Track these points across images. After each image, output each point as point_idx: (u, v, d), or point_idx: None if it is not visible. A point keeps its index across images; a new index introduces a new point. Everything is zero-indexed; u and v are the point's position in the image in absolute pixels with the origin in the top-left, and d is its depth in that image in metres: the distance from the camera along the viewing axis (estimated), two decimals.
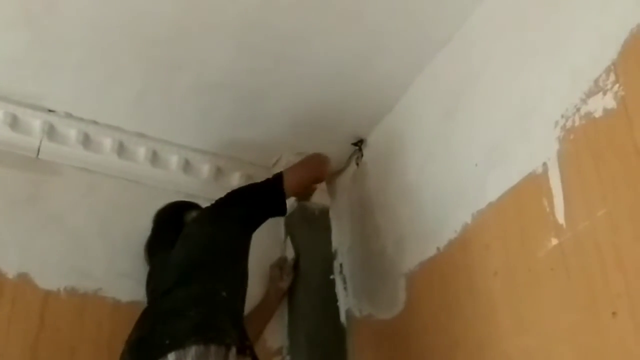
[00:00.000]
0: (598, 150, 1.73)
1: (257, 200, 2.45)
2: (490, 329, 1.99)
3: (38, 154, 2.66)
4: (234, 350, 2.00)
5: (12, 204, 2.53)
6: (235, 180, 2.95)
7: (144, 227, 2.59)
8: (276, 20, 2.33)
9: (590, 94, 1.78)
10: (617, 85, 1.70)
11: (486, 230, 2.07)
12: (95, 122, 2.73)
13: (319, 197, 2.94)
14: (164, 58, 2.46)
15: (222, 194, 2.50)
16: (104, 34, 2.35)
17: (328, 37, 2.40)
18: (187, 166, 2.89)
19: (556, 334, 1.76)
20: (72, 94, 2.62)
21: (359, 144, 2.90)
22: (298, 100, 2.67)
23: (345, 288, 2.74)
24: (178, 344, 1.95)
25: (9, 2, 2.23)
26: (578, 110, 1.80)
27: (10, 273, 2.40)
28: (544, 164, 1.88)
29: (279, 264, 2.80)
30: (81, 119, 2.71)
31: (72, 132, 2.70)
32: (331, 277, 2.78)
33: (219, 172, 2.95)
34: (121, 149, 2.77)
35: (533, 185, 1.91)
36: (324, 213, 2.96)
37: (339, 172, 2.99)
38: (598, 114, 1.74)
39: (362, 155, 2.88)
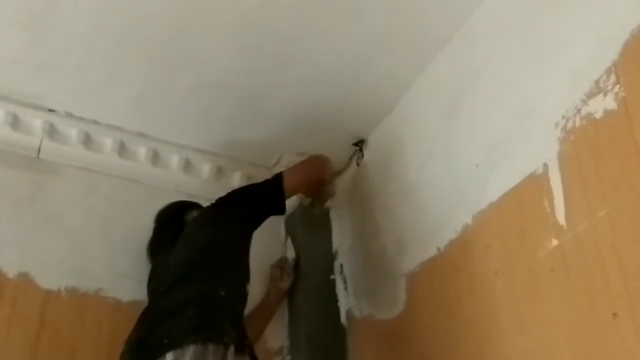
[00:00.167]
0: (598, 151, 1.72)
1: (257, 200, 2.47)
2: (491, 329, 1.98)
3: (39, 153, 2.66)
4: (232, 349, 2.01)
5: (12, 204, 2.54)
6: (236, 180, 2.95)
7: (145, 226, 2.60)
8: (276, 20, 2.33)
9: (590, 94, 1.78)
10: (618, 86, 1.70)
11: (487, 230, 2.07)
12: (96, 122, 2.73)
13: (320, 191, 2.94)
14: (164, 58, 2.46)
15: (222, 194, 2.51)
16: (104, 34, 2.35)
17: (328, 37, 2.40)
18: (187, 166, 2.89)
19: (556, 335, 1.76)
20: (72, 94, 2.62)
21: (359, 144, 2.89)
22: (298, 100, 2.67)
23: (345, 288, 2.74)
24: (176, 344, 1.96)
25: (10, 2, 2.23)
26: (578, 111, 1.80)
27: (11, 272, 2.41)
28: (545, 165, 1.88)
29: (280, 264, 2.80)
30: (82, 119, 2.71)
31: (72, 132, 2.70)
32: (332, 277, 2.78)
33: (219, 172, 2.95)
34: (122, 149, 2.77)
35: (533, 185, 1.91)
36: (325, 213, 2.96)
37: (340, 172, 2.98)
38: (599, 114, 1.74)
39: (362, 156, 2.88)
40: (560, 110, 1.86)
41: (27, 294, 2.40)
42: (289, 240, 2.90)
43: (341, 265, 2.80)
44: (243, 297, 2.28)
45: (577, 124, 1.80)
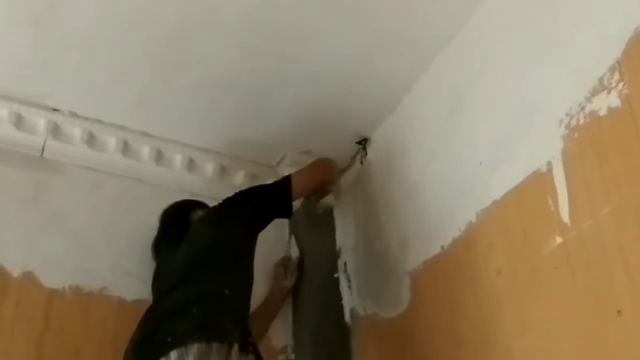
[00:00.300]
0: (602, 148, 1.72)
1: (264, 202, 2.48)
2: (495, 327, 1.98)
3: (42, 152, 2.67)
4: (236, 347, 2.00)
5: (16, 203, 2.54)
6: (239, 179, 2.95)
7: (149, 225, 2.60)
8: (279, 19, 2.33)
9: (594, 92, 1.77)
10: (622, 83, 1.70)
11: (490, 228, 2.07)
12: (99, 121, 2.73)
13: (324, 193, 2.93)
14: (168, 57, 2.46)
15: (226, 193, 2.51)
16: (108, 33, 2.35)
17: (331, 36, 2.40)
18: (191, 165, 2.89)
19: (560, 332, 1.76)
20: (76, 93, 2.62)
21: (362, 142, 2.89)
22: (302, 99, 2.67)
23: (349, 287, 2.74)
24: (180, 342, 1.96)
25: (13, 2, 2.24)
26: (582, 108, 1.80)
27: (15, 272, 2.41)
28: (549, 163, 1.88)
29: (283, 263, 2.80)
30: (85, 118, 2.71)
31: (76, 131, 2.70)
32: (335, 275, 2.78)
33: (223, 171, 2.95)
34: (125, 148, 2.77)
35: (537, 183, 1.91)
36: (328, 212, 2.96)
37: (343, 170, 2.98)
38: (602, 112, 1.74)
39: (366, 154, 2.88)
40: (564, 107, 1.86)
41: (31, 293, 2.40)
42: (293, 239, 2.90)
43: (345, 264, 2.80)
44: (247, 296, 2.28)
45: (581, 121, 1.80)
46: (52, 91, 2.60)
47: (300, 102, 2.69)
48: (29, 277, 2.42)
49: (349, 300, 2.72)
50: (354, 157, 2.94)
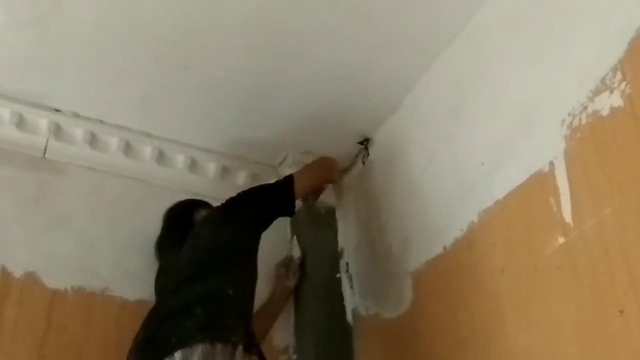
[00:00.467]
0: (605, 148, 1.72)
1: (267, 201, 2.48)
2: (497, 327, 1.99)
3: (45, 153, 2.67)
4: (240, 348, 2.00)
5: (19, 204, 2.54)
6: (242, 179, 2.95)
7: (151, 226, 2.59)
8: (282, 19, 2.33)
9: (596, 92, 1.77)
10: (624, 83, 1.70)
11: (492, 228, 2.07)
12: (101, 122, 2.73)
13: (325, 196, 2.93)
14: (170, 58, 2.46)
15: (228, 193, 2.51)
16: (110, 34, 2.35)
17: (333, 36, 2.40)
18: (193, 165, 2.89)
19: (563, 332, 1.76)
20: (78, 94, 2.62)
21: (364, 142, 2.89)
22: (304, 99, 2.67)
23: (351, 287, 2.74)
24: (184, 343, 1.95)
25: (16, 2, 2.24)
26: (585, 108, 1.80)
27: (18, 272, 2.41)
28: (551, 163, 1.88)
29: (285, 263, 2.80)
30: (88, 119, 2.71)
31: (78, 132, 2.70)
32: (337, 275, 2.79)
33: (225, 171, 2.95)
34: (127, 148, 2.78)
35: (540, 183, 1.91)
36: (330, 212, 2.96)
37: (345, 170, 2.98)
38: (605, 112, 1.74)
39: (368, 154, 2.88)
40: (566, 107, 1.86)
41: (33, 293, 2.40)
42: (295, 239, 2.90)
43: (347, 264, 2.80)
44: (251, 296, 2.27)
45: (583, 121, 1.80)
46: (54, 92, 2.60)
47: (302, 102, 2.69)
48: (31, 278, 2.42)
49: (351, 300, 2.72)
50: (356, 157, 2.94)
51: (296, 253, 2.85)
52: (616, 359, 1.61)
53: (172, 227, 2.58)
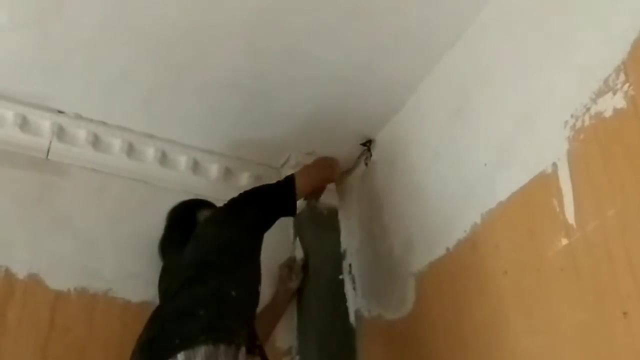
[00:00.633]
0: (608, 150, 1.72)
1: (269, 201, 2.48)
2: (500, 329, 1.98)
3: (47, 154, 2.67)
4: (243, 349, 2.00)
5: (22, 205, 2.54)
6: (244, 181, 2.96)
7: (154, 227, 2.60)
8: (284, 20, 2.33)
9: (599, 93, 1.77)
10: (627, 84, 1.69)
11: (495, 230, 2.07)
12: (104, 123, 2.74)
13: (328, 197, 2.93)
14: (172, 59, 2.46)
15: (230, 194, 2.51)
16: (112, 35, 2.35)
17: (336, 37, 2.40)
18: (195, 166, 2.89)
19: (566, 334, 1.75)
20: (81, 95, 2.63)
21: (367, 144, 2.89)
22: (307, 100, 2.67)
23: (354, 288, 2.74)
24: (187, 344, 1.95)
25: (19, 4, 2.24)
26: (588, 110, 1.80)
27: (21, 273, 2.41)
28: (554, 164, 1.87)
29: (288, 264, 2.80)
30: (90, 120, 2.72)
31: (81, 133, 2.71)
32: (340, 277, 2.78)
33: (227, 173, 2.95)
34: (130, 150, 2.78)
35: (543, 185, 1.90)
36: (333, 213, 2.96)
37: (348, 172, 2.99)
38: (608, 113, 1.74)
39: (370, 156, 2.88)
40: (569, 109, 1.86)
41: (36, 294, 2.41)
42: (297, 240, 2.90)
43: (350, 265, 2.80)
44: (254, 297, 2.28)
45: (587, 123, 1.80)
46: (57, 93, 2.61)
47: (304, 103, 2.69)
48: (34, 279, 2.42)
49: (354, 301, 2.72)
50: (359, 158, 2.94)
51: (299, 254, 2.85)
52: None
53: (175, 227, 2.58)
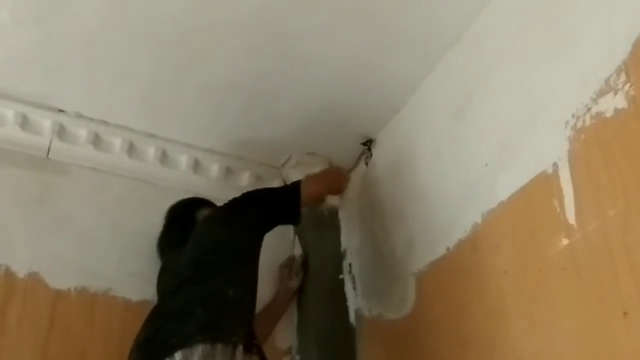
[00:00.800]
0: (609, 150, 1.72)
1: (272, 206, 2.46)
2: (500, 329, 1.98)
3: (48, 153, 2.68)
4: (240, 348, 2.00)
5: (22, 204, 2.55)
6: (245, 180, 2.96)
7: (154, 226, 2.60)
8: (285, 20, 2.33)
9: (600, 93, 1.77)
10: (628, 84, 1.69)
11: (496, 230, 2.07)
12: (105, 122, 2.74)
13: (328, 196, 2.93)
14: (173, 58, 2.46)
15: (231, 194, 2.51)
16: (113, 35, 2.35)
17: (337, 37, 2.40)
18: (196, 166, 2.90)
19: (566, 334, 1.75)
20: (82, 94, 2.63)
21: (368, 143, 2.89)
22: (307, 100, 2.67)
23: (354, 288, 2.74)
24: (184, 343, 1.96)
25: (20, 3, 2.24)
26: (589, 110, 1.80)
27: (21, 272, 2.42)
28: (555, 164, 1.87)
29: (288, 264, 2.81)
30: (91, 119, 2.72)
31: (82, 132, 2.71)
32: (340, 277, 2.79)
33: (228, 172, 2.95)
34: (131, 149, 2.78)
35: (543, 185, 1.90)
36: (333, 213, 2.96)
37: (348, 171, 2.98)
38: (609, 113, 1.74)
39: (371, 155, 2.88)
40: (570, 109, 1.85)
41: (37, 293, 2.41)
42: (297, 240, 2.90)
43: (350, 265, 2.80)
44: (252, 297, 2.27)
45: (587, 122, 1.80)
46: (58, 92, 2.61)
47: (305, 103, 2.69)
48: (34, 278, 2.43)
49: (354, 301, 2.72)
50: (359, 158, 2.94)
51: (298, 252, 2.85)
52: None
53: (173, 225, 2.58)
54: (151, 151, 2.82)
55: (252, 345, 2.10)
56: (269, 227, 2.45)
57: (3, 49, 2.40)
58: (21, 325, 2.34)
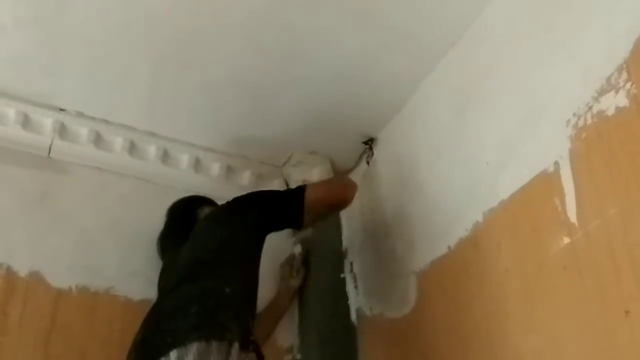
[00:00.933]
0: (610, 148, 1.72)
1: (274, 208, 2.42)
2: (502, 328, 1.98)
3: (49, 152, 2.68)
4: (236, 345, 1.99)
5: (23, 203, 2.55)
6: (246, 179, 2.96)
7: (155, 225, 2.60)
8: (286, 18, 2.33)
9: (602, 92, 1.77)
10: (630, 83, 1.69)
11: (497, 228, 2.07)
12: (106, 121, 2.74)
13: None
14: (174, 57, 2.46)
15: (232, 193, 2.51)
16: (115, 33, 2.35)
17: (339, 36, 2.40)
18: (197, 165, 2.90)
19: (568, 333, 1.75)
20: (83, 93, 2.63)
21: (369, 142, 2.89)
22: (309, 99, 2.66)
23: (355, 287, 2.74)
24: (179, 342, 1.95)
25: (21, 1, 2.24)
26: (590, 108, 1.79)
27: (22, 271, 2.42)
28: (556, 163, 1.87)
29: (289, 262, 2.80)
30: (92, 118, 2.72)
31: (83, 131, 2.71)
32: (342, 275, 2.78)
33: (229, 171, 2.95)
34: (132, 148, 2.78)
35: (545, 183, 1.90)
36: None
37: (350, 171, 2.98)
38: (610, 112, 1.73)
39: (372, 154, 2.88)
40: (572, 107, 1.85)
41: (38, 292, 2.41)
42: (298, 238, 2.90)
43: (351, 264, 2.80)
44: (250, 294, 2.25)
45: (589, 121, 1.80)
46: (59, 91, 2.61)
47: (306, 102, 2.68)
48: (35, 277, 2.43)
49: (355, 300, 2.72)
50: (361, 157, 2.94)
51: (297, 250, 2.85)
52: (621, 359, 1.60)
53: (174, 224, 2.58)
54: (152, 150, 2.82)
55: (249, 342, 2.08)
56: (271, 229, 2.42)
57: (4, 48, 2.41)
58: (22, 324, 2.34)
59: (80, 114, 2.70)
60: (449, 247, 2.26)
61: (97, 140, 2.73)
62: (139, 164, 2.81)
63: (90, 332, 2.43)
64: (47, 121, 2.66)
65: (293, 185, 2.79)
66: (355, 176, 2.94)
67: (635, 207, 1.62)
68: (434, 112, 2.52)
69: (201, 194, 2.77)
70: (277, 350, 2.68)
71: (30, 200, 2.57)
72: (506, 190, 2.04)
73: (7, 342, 2.29)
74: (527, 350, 1.87)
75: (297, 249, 2.85)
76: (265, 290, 2.56)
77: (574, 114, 1.84)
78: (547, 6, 2.05)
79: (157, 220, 2.61)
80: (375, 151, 2.87)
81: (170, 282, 2.25)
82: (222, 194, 2.64)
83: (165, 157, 2.84)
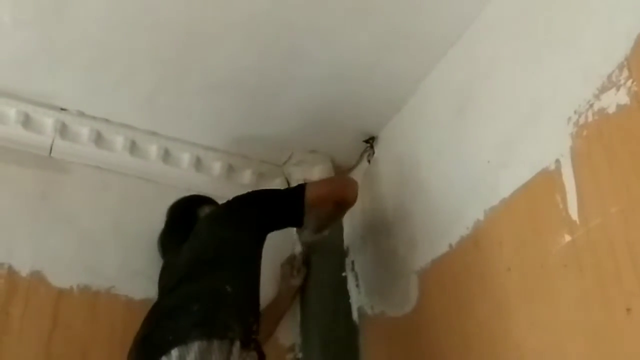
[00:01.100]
0: (611, 146, 1.72)
1: (274, 207, 2.42)
2: (503, 326, 1.98)
3: (50, 152, 2.68)
4: (237, 344, 1.99)
5: (25, 202, 2.55)
6: (247, 178, 2.96)
7: (156, 224, 2.60)
8: (287, 18, 2.33)
9: (603, 89, 1.77)
10: (630, 80, 1.69)
11: (499, 226, 2.06)
12: (107, 121, 2.74)
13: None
14: (175, 56, 2.46)
15: (233, 192, 2.51)
16: (116, 33, 2.36)
17: (338, 35, 2.40)
18: (198, 164, 2.90)
19: (569, 331, 1.75)
20: (84, 93, 2.63)
21: (370, 141, 2.89)
22: (309, 98, 2.66)
23: (357, 285, 2.74)
24: (181, 340, 1.95)
25: (21, 1, 2.24)
26: (591, 106, 1.79)
27: (24, 271, 2.42)
28: (557, 161, 1.87)
29: (289, 261, 2.80)
30: (93, 118, 2.72)
31: (84, 131, 2.71)
32: (343, 274, 2.78)
33: (230, 170, 2.95)
34: (133, 147, 2.78)
35: (546, 181, 1.90)
36: None
37: (351, 169, 2.98)
38: (611, 109, 1.73)
39: (373, 153, 2.88)
40: (573, 105, 1.85)
41: (39, 292, 2.41)
42: (299, 237, 2.90)
43: (352, 262, 2.80)
44: (252, 293, 2.25)
45: (590, 119, 1.79)
46: (60, 91, 2.61)
47: (307, 101, 2.69)
48: (37, 277, 2.43)
49: (357, 299, 2.72)
50: (362, 155, 2.94)
51: (298, 249, 2.84)
52: (623, 357, 1.60)
53: (175, 223, 2.58)
54: (153, 149, 2.82)
55: (250, 340, 2.08)
56: (271, 228, 2.42)
57: (5, 48, 2.41)
58: (24, 324, 2.34)
59: (81, 114, 2.70)
60: (450, 246, 2.26)
61: (98, 139, 2.73)
62: (140, 163, 2.81)
63: (91, 331, 2.43)
64: (48, 121, 2.66)
65: (294, 184, 2.79)
66: (356, 175, 2.94)
67: (636, 205, 1.62)
68: (434, 110, 2.52)
69: (202, 193, 2.76)
70: (279, 349, 2.68)
71: (31, 199, 2.57)
72: (507, 189, 2.04)
73: (8, 341, 2.29)
74: (528, 349, 1.87)
75: (299, 249, 2.85)
76: (267, 289, 2.56)
77: (575, 112, 1.84)
78: (547, 4, 2.05)
79: (158, 220, 2.61)
80: (376, 150, 2.87)
81: (171, 281, 2.25)
82: (223, 193, 2.63)
83: (166, 156, 2.84)
